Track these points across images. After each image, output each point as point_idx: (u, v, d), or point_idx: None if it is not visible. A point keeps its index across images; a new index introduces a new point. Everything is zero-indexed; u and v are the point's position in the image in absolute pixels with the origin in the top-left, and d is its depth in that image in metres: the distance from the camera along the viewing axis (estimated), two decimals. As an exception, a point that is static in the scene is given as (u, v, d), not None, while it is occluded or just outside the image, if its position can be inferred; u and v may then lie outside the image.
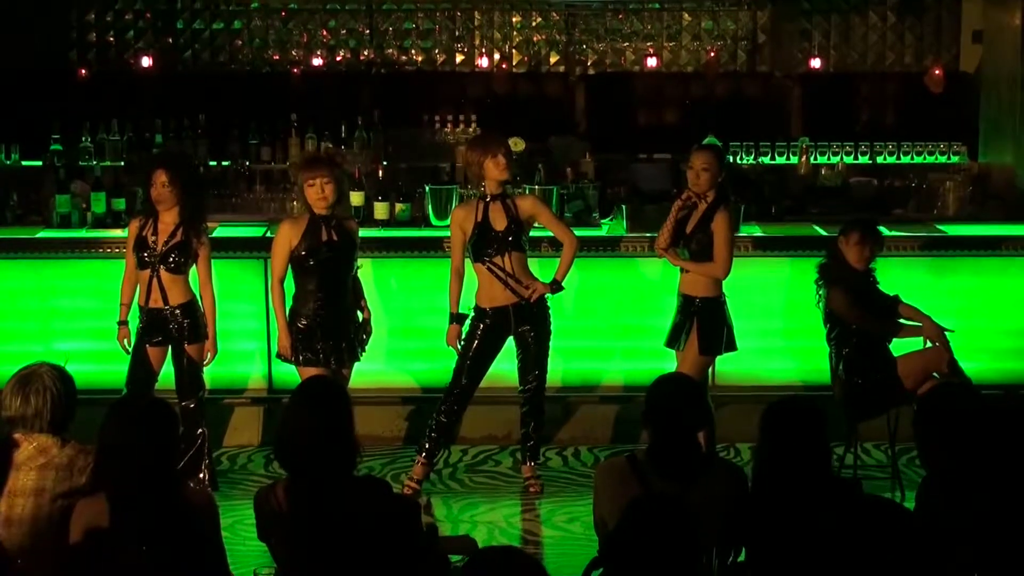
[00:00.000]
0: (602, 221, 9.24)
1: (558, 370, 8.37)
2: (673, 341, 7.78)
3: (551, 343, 7.86)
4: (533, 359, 7.78)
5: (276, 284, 7.50)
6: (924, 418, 4.88)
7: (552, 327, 7.84)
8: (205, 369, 7.69)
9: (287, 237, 7.46)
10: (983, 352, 8.70)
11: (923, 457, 4.90)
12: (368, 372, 8.08)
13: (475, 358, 7.74)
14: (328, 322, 7.47)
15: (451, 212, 8.24)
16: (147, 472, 4.56)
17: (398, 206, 9.17)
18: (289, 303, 7.51)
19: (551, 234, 8.01)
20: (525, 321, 7.71)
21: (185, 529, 4.57)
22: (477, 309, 7.76)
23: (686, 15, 12.06)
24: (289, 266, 7.49)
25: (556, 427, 8.70)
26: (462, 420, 8.16)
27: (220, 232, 8.80)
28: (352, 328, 7.59)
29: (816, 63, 12.02)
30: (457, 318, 7.78)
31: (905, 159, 11.04)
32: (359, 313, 7.67)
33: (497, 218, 7.64)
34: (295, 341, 7.47)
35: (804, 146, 10.85)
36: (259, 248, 8.55)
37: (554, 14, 12.06)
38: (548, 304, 7.80)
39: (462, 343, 7.77)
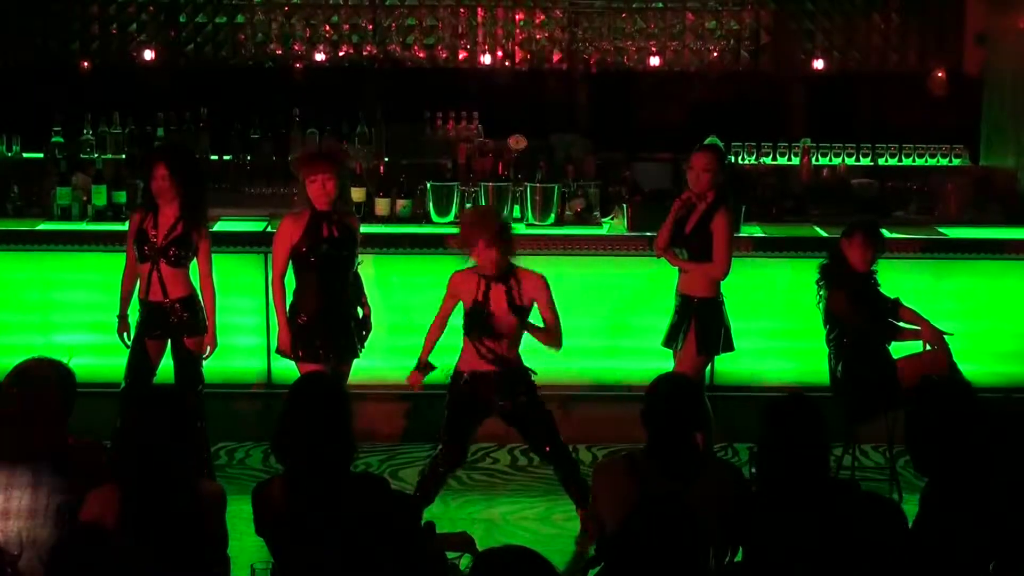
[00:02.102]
0: (603, 220, 9.24)
1: (558, 368, 8.36)
2: (671, 341, 7.78)
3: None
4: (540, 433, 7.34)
5: (277, 280, 7.48)
6: (916, 410, 4.85)
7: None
8: (204, 363, 7.69)
9: (288, 233, 7.44)
10: (983, 355, 8.71)
11: (913, 453, 4.84)
12: (367, 368, 8.08)
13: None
14: (328, 318, 7.45)
15: (450, 276, 7.45)
16: (164, 463, 4.57)
17: (399, 202, 9.18)
18: (289, 298, 7.50)
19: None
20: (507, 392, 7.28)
21: (194, 521, 4.57)
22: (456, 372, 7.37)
23: (689, 14, 12.05)
24: (290, 262, 7.48)
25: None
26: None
27: (221, 226, 8.80)
28: (352, 324, 7.57)
29: (819, 64, 12.01)
30: (424, 367, 7.41)
31: (907, 161, 11.04)
32: (359, 309, 7.65)
33: (498, 301, 7.21)
34: (295, 337, 7.46)
35: (805, 147, 10.85)
36: (259, 242, 8.54)
37: (557, 12, 12.04)
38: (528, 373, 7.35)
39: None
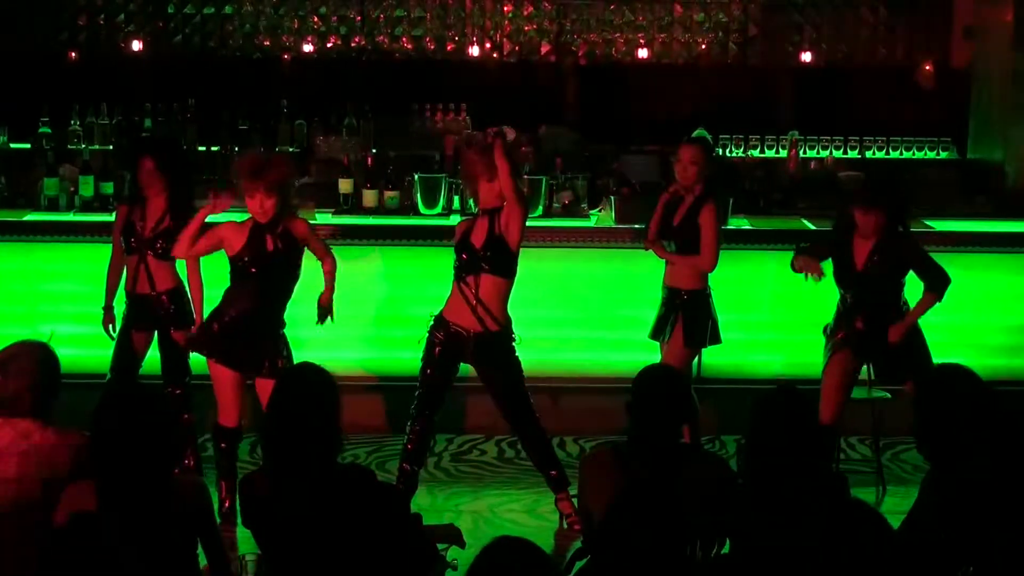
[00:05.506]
0: (590, 212, 9.24)
1: (544, 360, 8.37)
2: (658, 333, 7.78)
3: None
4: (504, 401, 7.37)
5: (192, 266, 7.29)
6: (926, 395, 4.86)
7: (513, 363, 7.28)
8: (191, 355, 7.67)
9: (228, 238, 7.11)
10: (970, 348, 8.71)
11: (921, 436, 4.84)
12: (354, 360, 8.08)
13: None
14: (256, 328, 7.10)
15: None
16: (138, 461, 4.54)
17: (387, 194, 9.17)
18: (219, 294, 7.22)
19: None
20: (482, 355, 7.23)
21: (173, 518, 4.55)
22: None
23: (677, 7, 12.06)
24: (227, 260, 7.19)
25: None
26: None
27: (208, 218, 8.77)
28: (278, 333, 7.17)
29: (807, 57, 12.03)
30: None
31: (894, 154, 11.06)
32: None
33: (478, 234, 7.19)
34: (215, 335, 7.13)
35: (793, 140, 10.86)
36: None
37: (546, 4, 12.06)
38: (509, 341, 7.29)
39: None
